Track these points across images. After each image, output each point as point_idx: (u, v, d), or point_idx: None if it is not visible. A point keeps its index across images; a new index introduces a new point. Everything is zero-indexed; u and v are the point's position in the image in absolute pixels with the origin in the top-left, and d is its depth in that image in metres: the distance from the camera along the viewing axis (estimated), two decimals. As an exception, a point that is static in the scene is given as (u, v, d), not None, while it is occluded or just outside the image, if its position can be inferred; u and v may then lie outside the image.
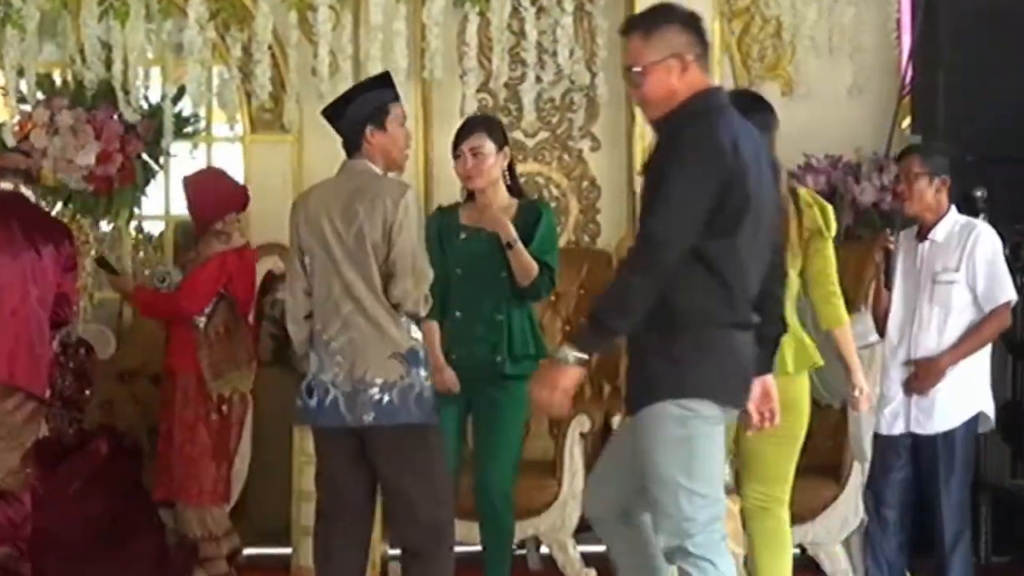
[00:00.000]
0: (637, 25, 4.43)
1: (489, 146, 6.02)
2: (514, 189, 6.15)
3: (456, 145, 6.08)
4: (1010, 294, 5.83)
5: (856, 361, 5.36)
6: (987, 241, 5.82)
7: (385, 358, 5.32)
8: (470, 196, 6.15)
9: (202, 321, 6.83)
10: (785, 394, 4.98)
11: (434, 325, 5.89)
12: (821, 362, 5.30)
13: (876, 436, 5.90)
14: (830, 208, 5.34)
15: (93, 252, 7.43)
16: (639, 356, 4.45)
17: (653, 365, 4.36)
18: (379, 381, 5.31)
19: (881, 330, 5.94)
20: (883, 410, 5.85)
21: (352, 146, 5.49)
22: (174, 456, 6.83)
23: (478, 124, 6.18)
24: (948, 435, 5.81)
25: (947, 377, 5.78)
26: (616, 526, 4.59)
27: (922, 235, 5.83)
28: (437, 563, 5.44)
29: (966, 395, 5.85)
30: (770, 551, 5.25)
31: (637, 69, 4.36)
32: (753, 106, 5.13)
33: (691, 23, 4.45)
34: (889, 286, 5.88)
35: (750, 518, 5.27)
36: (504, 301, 6.05)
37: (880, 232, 5.91)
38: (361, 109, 5.48)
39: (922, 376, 5.77)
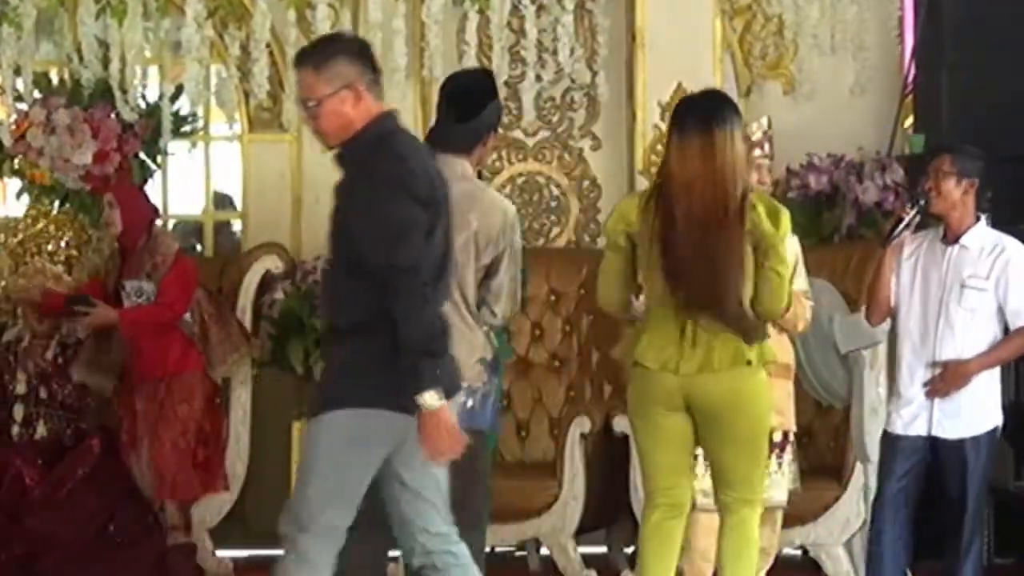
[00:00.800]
0: (307, 59, 4.54)
1: None
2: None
3: None
4: None
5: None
6: (1021, 258, 5.80)
7: (473, 362, 5.31)
8: None
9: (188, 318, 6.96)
10: (725, 395, 4.98)
11: None
12: (771, 358, 5.24)
13: (887, 435, 5.83)
14: (780, 208, 5.23)
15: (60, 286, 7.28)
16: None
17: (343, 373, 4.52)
18: (464, 385, 5.31)
19: (871, 314, 5.85)
20: (900, 410, 5.79)
21: (464, 144, 5.38)
22: (175, 455, 6.89)
23: None
24: (976, 440, 5.77)
25: (972, 383, 5.74)
26: None
27: (948, 238, 5.77)
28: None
29: (991, 403, 5.81)
30: (733, 550, 5.20)
31: (311, 103, 4.47)
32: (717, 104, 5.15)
33: (361, 52, 4.59)
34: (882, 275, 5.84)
35: (720, 519, 5.25)
36: None
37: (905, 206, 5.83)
38: (494, 113, 5.48)
39: (949, 379, 5.71)
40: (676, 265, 5.00)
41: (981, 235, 5.79)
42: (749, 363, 5.07)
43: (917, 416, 5.76)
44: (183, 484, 7.05)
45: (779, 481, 5.73)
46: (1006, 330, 5.77)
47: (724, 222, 4.98)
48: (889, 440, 5.83)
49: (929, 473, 5.82)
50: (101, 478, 6.97)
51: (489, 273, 5.36)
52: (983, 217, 5.83)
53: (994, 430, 5.83)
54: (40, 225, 7.38)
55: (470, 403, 5.32)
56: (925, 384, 5.74)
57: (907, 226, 5.70)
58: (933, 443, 5.76)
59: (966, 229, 5.76)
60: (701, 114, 5.06)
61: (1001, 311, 5.76)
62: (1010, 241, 5.85)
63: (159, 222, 7.37)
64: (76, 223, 7.52)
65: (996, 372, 5.84)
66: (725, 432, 5.09)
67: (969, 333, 5.72)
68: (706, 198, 4.98)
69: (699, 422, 5.12)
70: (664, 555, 5.25)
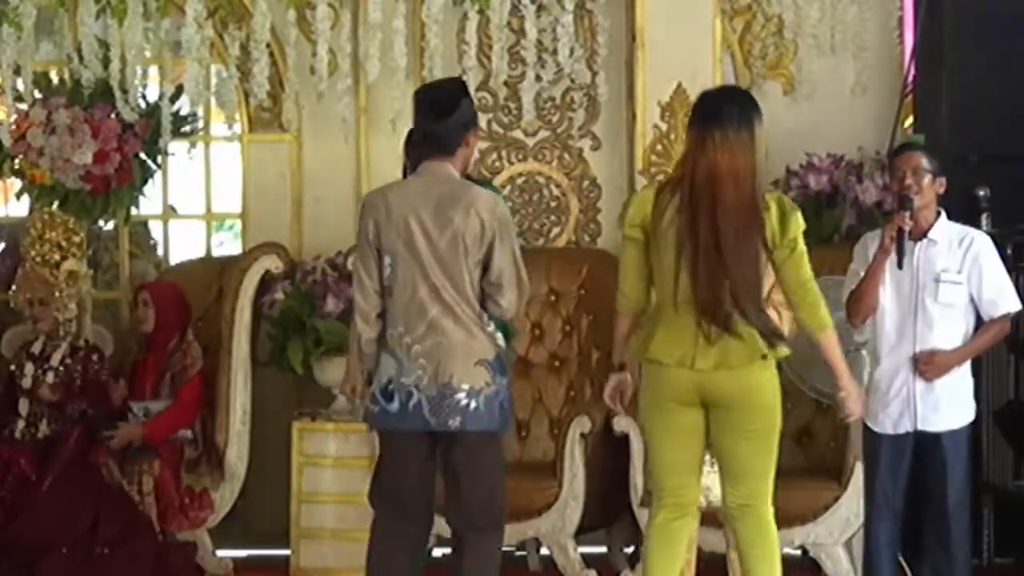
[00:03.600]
0: None
1: None
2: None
3: None
4: (1016, 305, 5.81)
5: (843, 366, 5.28)
6: (991, 249, 5.80)
7: (472, 364, 5.33)
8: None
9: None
10: (737, 387, 4.98)
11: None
12: (785, 352, 5.23)
13: (875, 435, 5.82)
14: (791, 210, 5.21)
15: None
16: None
17: None
18: (465, 387, 5.32)
19: (858, 315, 5.83)
20: (886, 409, 5.79)
21: (443, 148, 5.43)
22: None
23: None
24: (956, 433, 5.77)
25: (951, 375, 5.75)
26: None
27: (914, 234, 5.76)
28: (486, 560, 5.48)
29: (967, 395, 5.82)
30: (758, 551, 5.19)
31: None
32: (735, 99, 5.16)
33: None
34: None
35: (733, 519, 5.22)
36: None
37: (896, 214, 5.78)
38: (467, 112, 5.49)
39: (937, 363, 5.71)
40: (698, 263, 5.00)
41: (947, 228, 5.79)
42: (764, 357, 5.08)
43: (902, 414, 5.76)
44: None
45: None
46: (978, 321, 5.78)
47: (745, 221, 4.98)
48: (879, 440, 5.81)
49: (920, 469, 5.82)
50: (80, 473, 6.94)
51: (486, 267, 5.37)
52: (942, 211, 5.83)
53: (970, 424, 5.83)
54: (38, 227, 7.37)
55: (472, 405, 5.33)
56: (914, 375, 5.74)
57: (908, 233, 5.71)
58: (918, 438, 5.76)
59: (931, 224, 5.77)
60: (722, 110, 5.06)
61: (972, 302, 5.77)
62: (976, 233, 5.88)
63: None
64: (64, 222, 7.47)
65: (968, 367, 5.84)
66: (740, 425, 5.08)
67: (946, 326, 5.73)
68: (728, 196, 4.98)
69: (713, 418, 5.11)
70: (670, 555, 5.24)
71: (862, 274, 5.77)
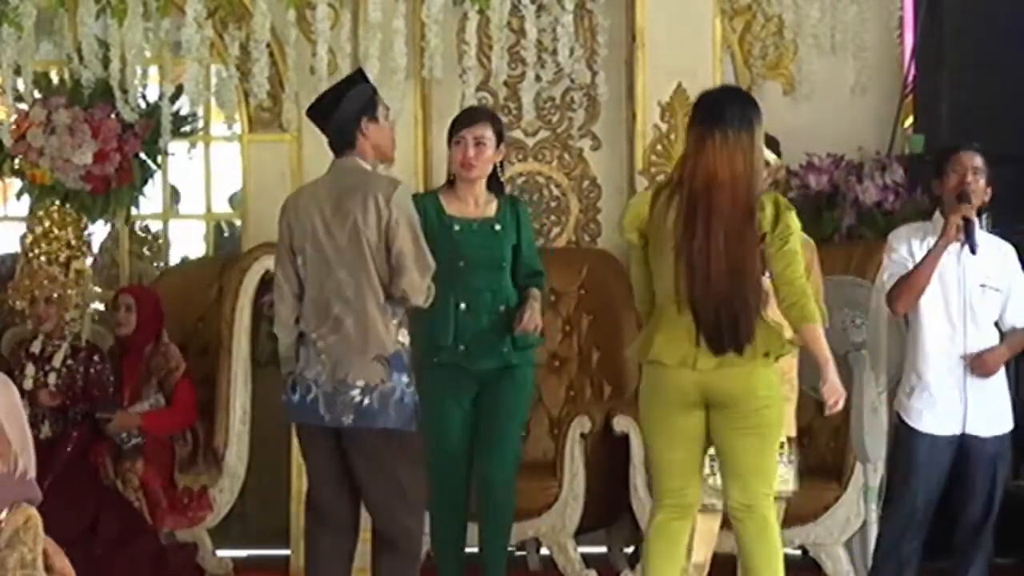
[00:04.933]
0: None
1: (491, 137, 6.05)
2: (494, 186, 6.17)
3: (457, 130, 6.07)
4: None
5: (827, 355, 5.26)
6: (1017, 260, 5.83)
7: (369, 360, 5.33)
8: (449, 183, 6.17)
9: None
10: (739, 385, 4.98)
11: None
12: (786, 351, 5.22)
13: (916, 434, 5.77)
14: (786, 210, 5.19)
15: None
16: None
17: None
18: (360, 383, 5.33)
19: (903, 304, 5.78)
20: (933, 408, 5.75)
21: (343, 143, 5.48)
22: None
23: (484, 115, 6.26)
24: (1004, 438, 5.78)
25: (998, 380, 5.75)
26: None
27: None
28: (399, 566, 5.46)
29: (1008, 403, 5.83)
30: (761, 553, 5.19)
31: None
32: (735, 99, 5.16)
33: None
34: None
35: (736, 521, 5.22)
36: (506, 291, 6.07)
37: (960, 205, 5.74)
38: (354, 102, 5.49)
39: (989, 360, 5.71)
40: (695, 264, 5.00)
41: (984, 236, 5.81)
42: (767, 355, 5.08)
43: (950, 415, 5.74)
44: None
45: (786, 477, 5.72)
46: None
47: (741, 222, 4.98)
48: (920, 440, 5.77)
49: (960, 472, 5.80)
50: (80, 474, 6.94)
51: (393, 257, 5.36)
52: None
53: (1012, 431, 5.84)
54: (46, 225, 7.35)
55: (366, 401, 5.32)
56: (965, 376, 5.72)
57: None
58: (963, 442, 5.74)
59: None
60: (722, 111, 5.06)
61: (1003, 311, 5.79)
62: (1007, 244, 5.91)
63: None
64: (74, 220, 7.47)
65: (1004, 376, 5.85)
66: (741, 423, 5.08)
67: (991, 331, 5.76)
68: (726, 197, 4.98)
69: (714, 417, 5.11)
70: (670, 555, 5.24)
71: (910, 263, 5.73)
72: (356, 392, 5.32)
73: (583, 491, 6.93)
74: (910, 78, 7.67)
